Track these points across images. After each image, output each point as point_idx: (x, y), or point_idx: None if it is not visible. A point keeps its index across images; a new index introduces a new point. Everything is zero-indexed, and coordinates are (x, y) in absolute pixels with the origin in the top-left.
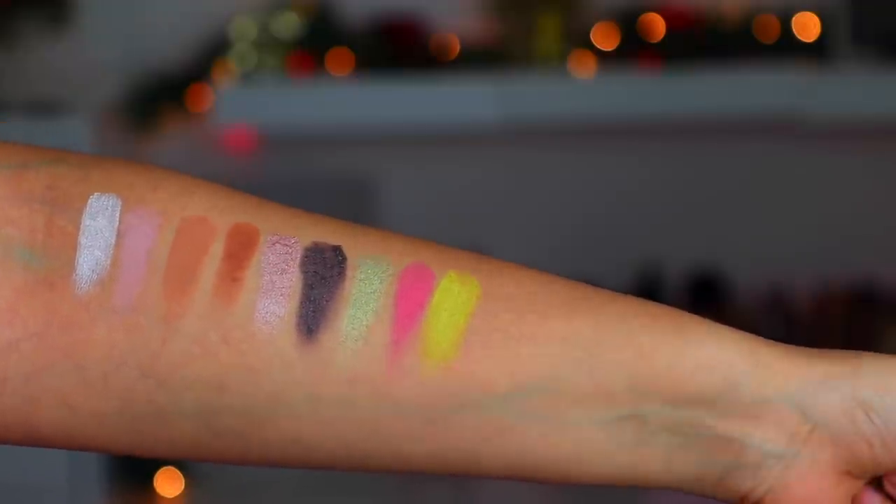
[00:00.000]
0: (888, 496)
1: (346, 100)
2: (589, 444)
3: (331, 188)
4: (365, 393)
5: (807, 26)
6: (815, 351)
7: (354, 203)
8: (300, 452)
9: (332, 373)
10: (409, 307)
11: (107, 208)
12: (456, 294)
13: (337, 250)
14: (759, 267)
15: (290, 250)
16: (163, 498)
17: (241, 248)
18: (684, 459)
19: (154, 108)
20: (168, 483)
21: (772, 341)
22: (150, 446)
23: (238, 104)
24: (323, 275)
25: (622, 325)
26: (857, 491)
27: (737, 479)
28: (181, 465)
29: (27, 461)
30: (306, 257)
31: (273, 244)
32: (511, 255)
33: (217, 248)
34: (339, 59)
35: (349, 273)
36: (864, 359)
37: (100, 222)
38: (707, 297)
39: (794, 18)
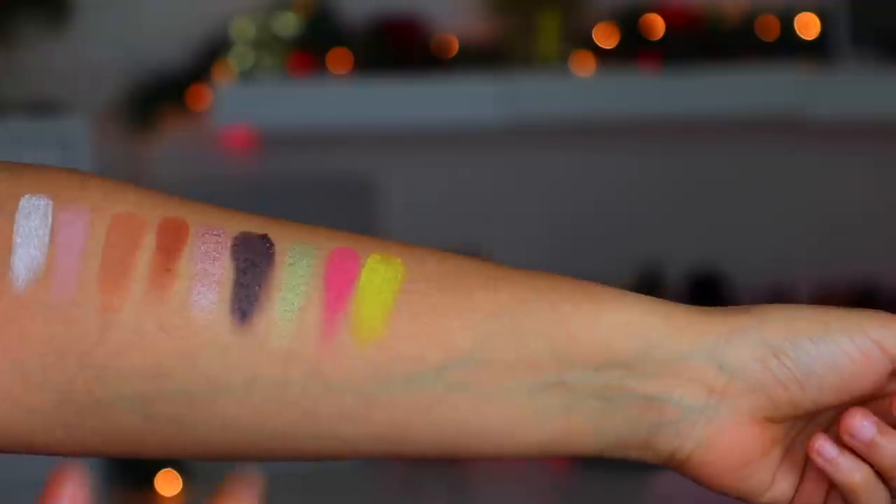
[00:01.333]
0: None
1: (346, 99)
2: (519, 413)
3: (331, 188)
4: (299, 372)
5: (807, 26)
6: (728, 308)
7: (354, 203)
8: (239, 438)
9: (266, 354)
10: (337, 288)
11: (39, 208)
12: (382, 273)
13: (265, 238)
14: (759, 266)
15: (220, 239)
16: (163, 498)
17: (172, 240)
18: (611, 423)
19: (154, 108)
20: (168, 483)
21: (687, 305)
22: (88, 441)
23: (238, 104)
24: (253, 261)
25: (543, 297)
26: (779, 434)
27: (662, 439)
28: (181, 465)
29: (27, 459)
30: (236, 246)
31: (203, 234)
32: (511, 255)
33: (149, 241)
34: (339, 59)
35: (278, 259)
36: (771, 308)
37: (34, 221)
38: (707, 297)
39: (794, 18)
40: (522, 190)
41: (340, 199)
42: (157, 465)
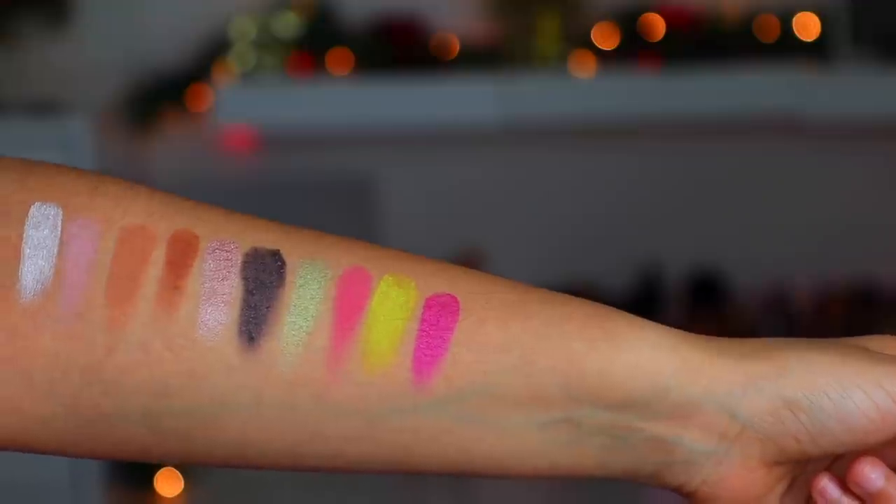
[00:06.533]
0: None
1: (346, 100)
2: (525, 445)
3: (331, 188)
4: (306, 396)
5: (807, 26)
6: (744, 347)
7: (354, 203)
8: (245, 453)
9: (273, 377)
10: (348, 312)
11: (48, 217)
12: (394, 298)
13: (276, 255)
14: (759, 267)
15: (230, 256)
16: (163, 498)
17: (181, 256)
18: (617, 458)
19: (154, 108)
20: (168, 483)
21: (702, 338)
22: (96, 448)
23: (238, 104)
24: (263, 280)
25: (555, 331)
26: (785, 472)
27: (669, 474)
28: (181, 465)
29: (29, 460)
30: (246, 263)
31: (213, 251)
32: (511, 255)
33: (158, 256)
34: (339, 59)
35: (288, 278)
36: (790, 357)
37: (42, 232)
38: (707, 297)
39: (794, 18)
40: (522, 190)
41: (340, 199)
42: (157, 464)
